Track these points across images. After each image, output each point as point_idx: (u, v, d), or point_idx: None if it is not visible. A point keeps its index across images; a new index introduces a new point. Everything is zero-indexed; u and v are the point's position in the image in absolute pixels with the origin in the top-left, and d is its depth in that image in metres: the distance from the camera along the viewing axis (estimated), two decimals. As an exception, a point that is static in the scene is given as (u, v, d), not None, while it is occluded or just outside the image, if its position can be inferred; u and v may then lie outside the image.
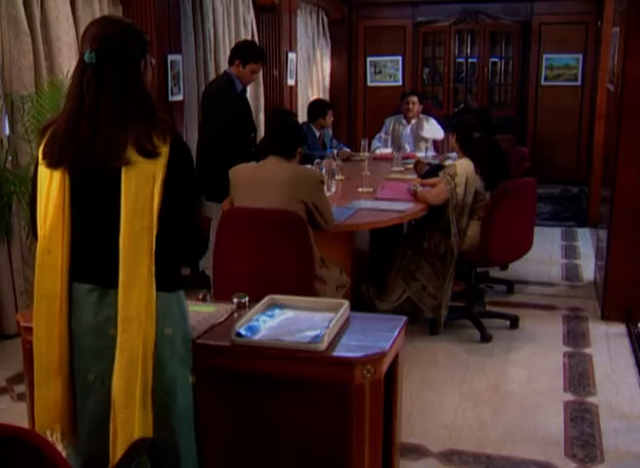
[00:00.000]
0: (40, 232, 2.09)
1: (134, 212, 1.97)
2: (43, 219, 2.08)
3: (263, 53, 5.35)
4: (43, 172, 2.08)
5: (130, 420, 2.01)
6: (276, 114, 6.52)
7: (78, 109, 2.04)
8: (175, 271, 2.16)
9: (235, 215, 3.73)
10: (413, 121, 7.03)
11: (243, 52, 4.96)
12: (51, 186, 2.06)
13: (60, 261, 2.07)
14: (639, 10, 4.45)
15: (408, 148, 6.90)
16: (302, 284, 3.51)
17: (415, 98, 7.00)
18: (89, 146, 2.01)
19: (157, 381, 2.05)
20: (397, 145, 6.86)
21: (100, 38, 2.03)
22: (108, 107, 2.00)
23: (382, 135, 7.11)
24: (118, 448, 2.02)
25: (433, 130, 7.02)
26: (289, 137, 3.76)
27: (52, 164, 2.05)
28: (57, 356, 2.10)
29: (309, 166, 4.62)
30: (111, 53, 2.02)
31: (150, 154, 1.97)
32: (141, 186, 1.97)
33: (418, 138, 7.02)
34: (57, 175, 2.05)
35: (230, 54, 5.07)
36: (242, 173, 3.78)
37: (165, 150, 1.98)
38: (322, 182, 3.80)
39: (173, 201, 2.01)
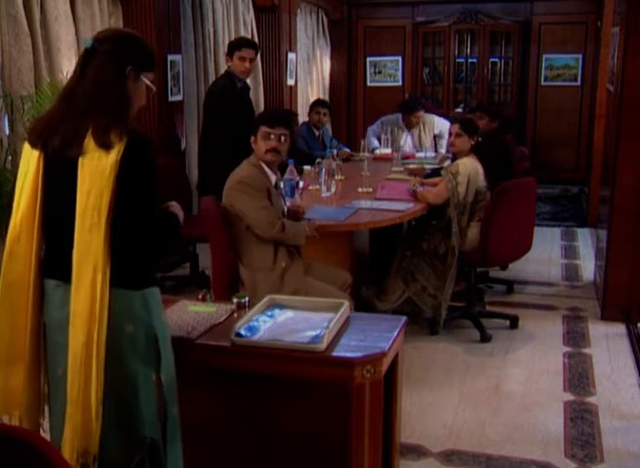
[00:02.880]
0: (12, 219, 2.12)
1: (85, 208, 2.00)
2: (17, 205, 2.12)
3: (244, 39, 5.47)
4: (26, 150, 2.14)
5: (73, 414, 2.03)
6: None
7: (63, 92, 2.15)
8: (138, 268, 2.15)
9: (206, 211, 3.77)
10: (414, 129, 6.87)
11: (228, 47, 5.05)
12: (29, 167, 2.11)
13: (29, 250, 2.10)
14: (639, 10, 4.46)
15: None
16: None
17: (421, 113, 6.83)
18: (58, 128, 2.06)
19: (116, 378, 2.07)
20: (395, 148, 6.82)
21: (108, 33, 2.18)
22: (83, 93, 2.07)
23: (376, 133, 6.99)
24: (66, 440, 2.05)
25: (441, 123, 6.84)
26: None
27: (30, 141, 2.13)
28: (21, 344, 2.14)
29: (307, 167, 4.59)
30: (106, 45, 2.10)
31: (104, 145, 1.99)
32: (93, 183, 2.00)
33: (424, 141, 6.85)
34: (34, 156, 2.11)
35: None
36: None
37: (118, 148, 2.00)
38: (242, 183, 3.54)
39: (126, 199, 2.03)
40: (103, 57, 2.10)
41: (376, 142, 6.89)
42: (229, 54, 4.97)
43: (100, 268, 2.01)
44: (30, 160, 2.11)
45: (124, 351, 2.09)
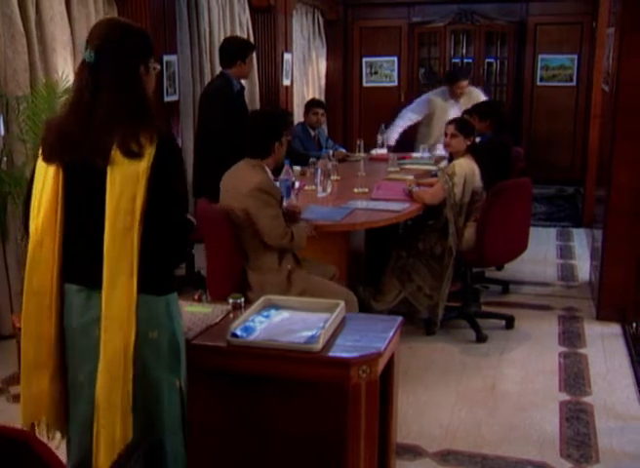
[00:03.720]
0: (32, 225, 2.11)
1: (117, 212, 1.98)
2: (36, 212, 2.10)
3: (249, 41, 5.61)
4: (40, 165, 2.12)
5: (111, 423, 2.02)
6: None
7: (76, 107, 2.08)
8: (163, 274, 2.13)
9: (204, 213, 3.76)
10: (462, 99, 6.63)
11: (240, 50, 5.02)
12: (46, 180, 2.09)
13: (51, 255, 2.09)
14: (634, 11, 4.46)
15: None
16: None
17: (465, 83, 6.65)
18: (80, 144, 2.04)
19: (140, 385, 2.04)
20: (441, 128, 6.34)
21: (102, 38, 2.07)
22: (102, 107, 2.03)
23: (417, 111, 6.86)
24: (101, 451, 2.04)
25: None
26: (256, 139, 3.68)
27: (46, 158, 2.10)
28: (46, 351, 2.13)
29: (298, 167, 4.58)
30: (110, 53, 2.06)
31: (134, 155, 1.97)
32: (125, 186, 1.98)
33: None
34: (51, 169, 2.09)
35: (226, 56, 5.05)
36: (225, 178, 3.76)
37: (150, 151, 1.98)
38: (261, 190, 3.49)
39: (157, 202, 2.01)
40: (114, 65, 2.06)
41: (412, 117, 6.88)
42: (243, 57, 4.97)
43: (135, 272, 2.00)
44: (47, 174, 2.09)
45: (148, 357, 2.06)
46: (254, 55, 5.12)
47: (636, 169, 4.59)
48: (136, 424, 2.05)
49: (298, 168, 5.35)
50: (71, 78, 4.44)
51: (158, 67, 2.25)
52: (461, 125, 4.63)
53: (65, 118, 2.10)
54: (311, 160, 5.46)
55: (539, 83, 8.89)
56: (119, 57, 2.07)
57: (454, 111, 6.40)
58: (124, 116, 2.02)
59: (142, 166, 1.97)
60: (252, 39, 6.78)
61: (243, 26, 6.72)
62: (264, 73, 7.03)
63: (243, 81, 5.61)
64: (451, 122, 4.70)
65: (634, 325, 4.64)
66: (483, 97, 6.64)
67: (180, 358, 2.16)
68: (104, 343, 2.01)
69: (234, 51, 5.02)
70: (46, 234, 2.09)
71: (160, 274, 2.11)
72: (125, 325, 2.00)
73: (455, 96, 6.65)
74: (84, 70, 2.08)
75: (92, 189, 2.03)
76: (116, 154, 1.98)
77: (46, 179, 2.09)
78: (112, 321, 2.00)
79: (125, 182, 1.98)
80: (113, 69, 2.05)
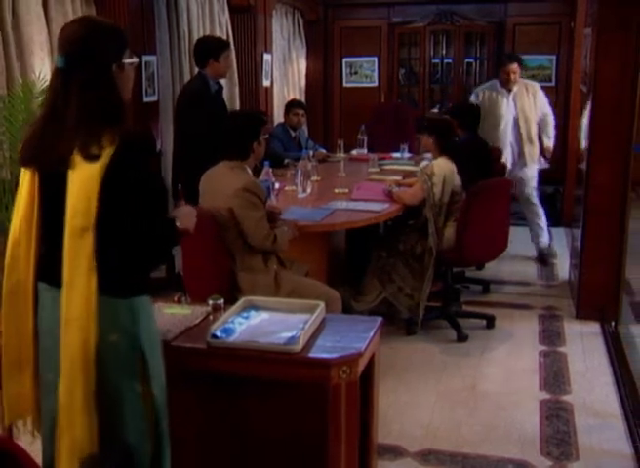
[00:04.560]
0: (12, 225, 2.14)
1: (74, 213, 1.98)
2: (15, 215, 2.14)
3: (224, 39, 5.51)
4: (22, 169, 2.16)
5: (72, 424, 2.01)
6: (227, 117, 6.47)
7: (48, 111, 2.09)
8: (126, 277, 2.08)
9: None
10: (515, 88, 6.16)
11: (211, 49, 4.96)
12: (23, 183, 2.13)
13: (27, 254, 2.11)
14: (610, 12, 4.50)
15: (506, 123, 6.14)
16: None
17: (514, 67, 6.09)
18: (49, 148, 2.05)
19: (100, 388, 2.03)
20: (492, 122, 6.08)
21: (71, 41, 2.06)
22: (73, 110, 2.02)
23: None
24: (63, 454, 2.03)
25: (543, 102, 6.27)
26: (234, 140, 3.67)
27: (22, 163, 2.14)
28: (26, 350, 2.14)
29: (269, 169, 4.55)
30: (80, 56, 2.04)
31: (93, 158, 1.96)
32: (81, 187, 1.97)
33: (523, 111, 6.17)
34: (28, 173, 2.12)
35: (198, 56, 5.03)
36: (204, 180, 3.76)
37: (109, 152, 1.96)
38: (249, 191, 3.51)
39: (115, 203, 1.99)
40: (83, 67, 2.03)
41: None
42: (215, 56, 4.92)
43: (92, 273, 1.98)
44: (24, 178, 2.13)
45: (107, 361, 2.04)
46: (231, 53, 5.07)
47: (614, 168, 4.63)
48: (99, 429, 2.04)
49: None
50: (48, 78, 4.41)
51: (135, 61, 2.22)
52: (419, 124, 4.68)
53: (38, 123, 2.12)
54: (286, 161, 5.46)
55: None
56: (88, 58, 2.04)
57: (506, 102, 6.15)
58: (90, 119, 2.00)
59: (97, 166, 1.96)
60: (231, 39, 6.75)
61: (222, 26, 6.69)
62: (244, 74, 7.00)
63: (223, 81, 5.59)
64: (423, 127, 4.74)
65: (613, 323, 4.68)
66: (541, 93, 6.25)
67: (149, 364, 2.10)
68: (64, 345, 2.01)
69: (205, 50, 4.98)
70: (23, 234, 2.11)
71: (123, 277, 2.07)
72: (84, 327, 1.98)
73: (505, 83, 6.15)
74: (55, 74, 2.08)
75: (58, 192, 2.03)
76: (77, 157, 1.98)
77: (24, 182, 2.12)
78: (72, 322, 2.00)
79: (81, 183, 1.98)
80: (82, 71, 2.03)
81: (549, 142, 6.32)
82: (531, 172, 6.26)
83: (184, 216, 2.26)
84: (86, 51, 2.04)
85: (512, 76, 6.08)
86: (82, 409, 2.00)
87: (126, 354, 2.07)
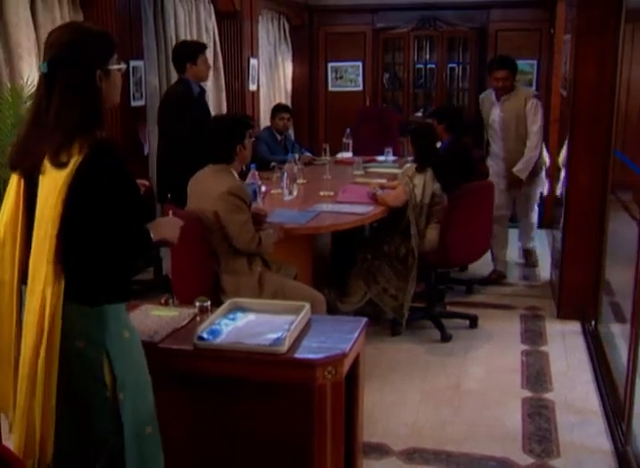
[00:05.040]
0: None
1: (41, 220, 1.99)
2: (1, 217, 2.14)
3: (201, 42, 5.50)
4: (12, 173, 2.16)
5: (18, 423, 2.03)
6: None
7: (34, 116, 2.09)
8: (96, 285, 2.06)
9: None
10: (507, 97, 5.60)
11: (187, 53, 4.95)
12: (11, 187, 2.13)
13: (11, 255, 2.10)
14: (588, 19, 4.54)
15: (494, 134, 5.73)
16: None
17: (504, 74, 5.51)
18: (29, 154, 2.05)
19: (68, 393, 2.04)
20: (489, 133, 5.80)
21: (54, 46, 2.05)
22: (52, 115, 2.01)
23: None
24: (15, 448, 2.03)
25: (530, 117, 5.60)
26: (219, 144, 3.66)
27: (9, 166, 2.15)
28: (7, 347, 2.13)
29: (255, 172, 4.55)
30: (62, 61, 2.02)
31: (61, 165, 1.95)
32: (49, 194, 1.97)
33: (510, 123, 5.61)
34: (15, 177, 2.12)
35: (176, 61, 5.02)
36: (191, 184, 3.75)
37: (76, 160, 1.95)
38: (233, 195, 3.51)
39: (81, 211, 1.97)
40: (65, 73, 2.02)
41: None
42: (192, 59, 4.90)
43: (50, 280, 1.97)
44: (12, 181, 2.13)
45: (74, 367, 2.04)
46: (212, 56, 5.04)
47: (593, 170, 4.66)
48: (69, 432, 2.06)
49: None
50: (36, 83, 4.39)
51: (123, 67, 2.20)
52: (403, 128, 4.70)
53: (24, 127, 2.13)
54: (273, 164, 5.46)
55: (500, 87, 8.98)
56: (70, 63, 2.02)
57: (495, 112, 5.70)
58: (65, 124, 1.99)
59: (63, 174, 1.95)
60: (218, 44, 6.75)
61: (209, 32, 6.68)
62: (231, 78, 7.00)
63: (210, 86, 5.58)
64: (408, 131, 4.75)
65: (593, 322, 4.71)
66: (530, 105, 5.59)
67: (115, 372, 2.07)
68: (23, 348, 2.03)
69: (182, 54, 4.97)
70: (9, 236, 2.10)
71: (91, 284, 2.05)
72: (37, 331, 1.98)
73: (496, 91, 5.65)
74: (40, 80, 2.08)
75: (34, 197, 2.04)
76: (47, 164, 1.98)
77: (11, 185, 2.13)
78: (29, 326, 2.01)
79: (48, 191, 1.97)
80: (64, 76, 2.02)
81: (519, 163, 5.58)
82: (526, 189, 5.78)
83: (164, 227, 2.21)
84: (68, 55, 2.03)
85: (501, 83, 5.54)
86: (26, 412, 2.00)
87: (92, 360, 2.05)
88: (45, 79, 2.05)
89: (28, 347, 2.01)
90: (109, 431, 2.10)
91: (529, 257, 6.24)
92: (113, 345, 2.07)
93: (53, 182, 1.96)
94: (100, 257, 2.01)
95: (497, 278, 5.81)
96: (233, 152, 3.59)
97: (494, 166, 5.77)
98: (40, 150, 2.01)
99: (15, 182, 2.12)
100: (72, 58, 2.02)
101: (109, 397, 2.07)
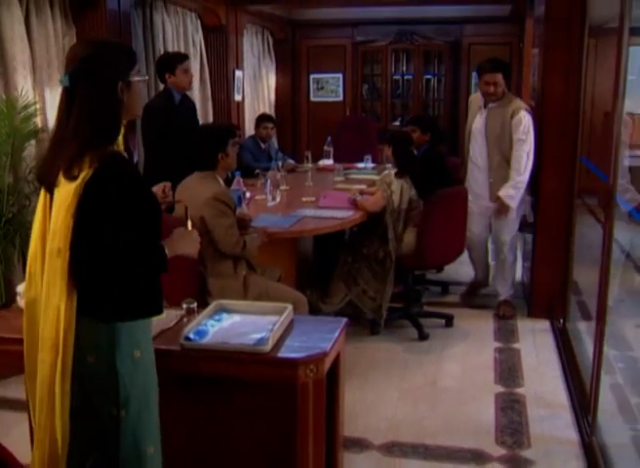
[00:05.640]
0: (31, 243, 2.09)
1: (53, 233, 1.94)
2: (33, 231, 2.09)
3: (180, 53, 5.48)
4: None
5: (41, 440, 1.99)
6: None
7: (55, 131, 2.04)
8: (108, 300, 1.98)
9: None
10: (494, 105, 4.76)
11: (165, 64, 4.90)
12: (39, 201, 2.08)
13: (42, 270, 2.02)
14: (554, 34, 4.58)
15: (479, 143, 4.86)
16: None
17: (495, 78, 4.68)
18: (50, 168, 2.00)
19: (81, 408, 2.00)
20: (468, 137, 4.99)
21: (76, 60, 1.98)
22: (70, 129, 1.96)
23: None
24: (34, 465, 2.00)
25: (516, 132, 4.65)
26: (202, 152, 3.66)
27: (37, 180, 2.12)
28: (34, 360, 2.08)
29: (240, 179, 4.55)
30: (83, 74, 1.96)
31: (73, 178, 1.90)
32: (60, 207, 1.92)
33: (492, 136, 4.77)
34: (42, 192, 2.07)
35: (158, 73, 5.00)
36: (178, 190, 3.74)
37: (86, 173, 1.89)
38: (218, 200, 3.50)
39: (87, 226, 1.90)
40: (85, 87, 1.96)
41: None
42: (170, 70, 4.85)
43: (64, 294, 1.91)
44: (40, 194, 2.08)
45: (86, 382, 1.99)
46: (198, 68, 5.04)
47: (561, 177, 4.69)
48: (80, 451, 2.02)
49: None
50: (30, 95, 4.37)
51: (145, 78, 2.15)
52: (381, 136, 4.72)
53: (49, 141, 2.08)
54: (257, 171, 5.46)
55: (473, 98, 9.03)
56: (92, 76, 1.96)
57: (479, 119, 4.89)
58: (81, 137, 1.93)
59: (73, 187, 1.89)
60: (204, 57, 6.75)
61: (196, 45, 6.69)
62: (217, 89, 7.01)
63: (196, 95, 5.56)
64: (388, 138, 4.74)
65: (561, 321, 4.75)
66: (517, 119, 4.63)
67: (120, 389, 2.00)
68: (39, 362, 1.98)
69: (161, 66, 4.92)
70: (39, 249, 2.04)
71: (103, 299, 1.98)
72: (54, 346, 1.93)
73: (483, 95, 4.81)
74: (62, 93, 2.01)
75: (51, 210, 1.99)
76: (61, 177, 1.93)
77: (39, 198, 2.08)
78: (46, 341, 1.96)
79: (60, 204, 1.92)
80: (84, 91, 1.96)
81: (506, 188, 4.70)
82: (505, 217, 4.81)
83: (183, 241, 2.17)
84: (90, 69, 1.96)
85: (492, 88, 4.67)
86: (48, 429, 1.96)
87: (101, 376, 1.99)
88: (66, 92, 1.99)
89: (46, 363, 1.95)
90: (123, 452, 2.04)
91: (502, 311, 5.01)
92: (123, 363, 2.00)
93: (64, 195, 1.91)
94: (108, 273, 1.94)
95: (479, 286, 5.38)
96: (216, 160, 3.60)
97: (472, 182, 4.96)
98: (58, 163, 1.96)
99: (42, 197, 2.06)
100: (93, 70, 1.96)
101: (116, 415, 2.01)
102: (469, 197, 4.74)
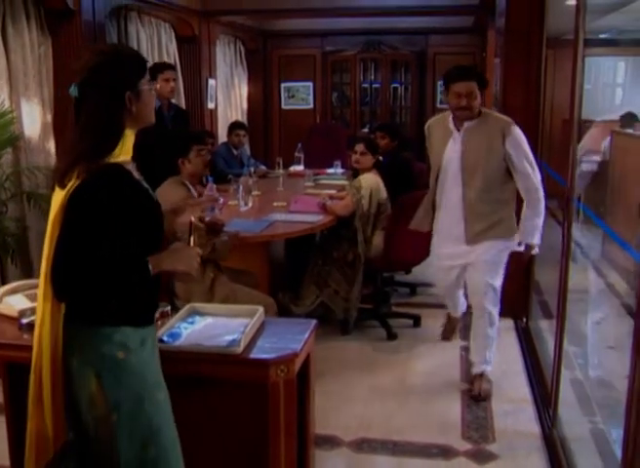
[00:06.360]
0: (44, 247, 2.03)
1: (48, 239, 1.92)
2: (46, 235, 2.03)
3: (163, 62, 5.54)
4: None
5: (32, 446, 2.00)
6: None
7: (66, 141, 1.98)
8: (90, 306, 1.92)
9: None
10: (467, 124, 3.58)
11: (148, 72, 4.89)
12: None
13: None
14: (514, 45, 4.64)
15: (454, 177, 3.65)
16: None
17: (469, 87, 3.49)
18: (54, 174, 1.97)
19: (70, 408, 1.99)
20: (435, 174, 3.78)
21: (84, 70, 1.91)
22: (75, 139, 1.91)
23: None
24: (27, 453, 2.01)
25: (517, 154, 3.53)
26: (163, 159, 3.65)
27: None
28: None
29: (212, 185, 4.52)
30: (90, 85, 1.90)
31: (63, 187, 1.87)
32: (50, 217, 1.91)
33: (470, 161, 3.57)
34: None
35: None
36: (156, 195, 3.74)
37: (71, 184, 1.85)
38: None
39: (68, 232, 1.86)
40: (92, 96, 1.89)
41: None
42: (151, 79, 4.84)
43: (48, 297, 1.90)
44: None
45: (73, 382, 1.96)
46: (169, 75, 5.02)
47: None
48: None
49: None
50: (7, 104, 4.32)
51: (154, 87, 2.07)
52: (370, 144, 4.71)
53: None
54: (229, 177, 5.45)
55: (438, 105, 9.06)
56: (98, 87, 1.90)
57: (452, 146, 3.65)
58: (76, 149, 1.88)
59: (61, 197, 1.87)
60: (178, 66, 6.73)
61: (170, 55, 6.66)
62: (190, 97, 6.99)
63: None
64: (359, 141, 4.76)
65: (524, 319, 4.80)
66: (513, 139, 3.53)
67: (106, 391, 1.93)
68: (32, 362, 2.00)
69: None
70: (46, 253, 1.97)
71: (81, 305, 1.93)
72: (37, 345, 1.95)
73: (455, 115, 3.62)
74: (73, 104, 1.93)
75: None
76: (56, 186, 1.91)
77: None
78: (35, 339, 1.97)
79: (52, 211, 1.91)
80: (91, 102, 1.90)
81: (529, 221, 3.63)
82: (484, 254, 3.69)
83: (176, 256, 2.05)
84: (97, 79, 1.90)
85: (464, 102, 3.50)
86: (43, 419, 1.97)
87: (84, 378, 1.94)
88: (75, 102, 1.92)
89: (33, 361, 1.98)
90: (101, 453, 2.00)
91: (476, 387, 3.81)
92: (104, 366, 1.93)
93: (54, 204, 1.89)
94: (79, 283, 1.86)
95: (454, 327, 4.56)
96: (176, 166, 3.61)
97: (442, 226, 3.82)
98: (55, 173, 1.94)
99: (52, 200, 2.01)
100: (100, 80, 1.90)
101: (100, 417, 1.95)
102: (434, 247, 3.96)
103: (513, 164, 3.55)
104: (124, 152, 1.95)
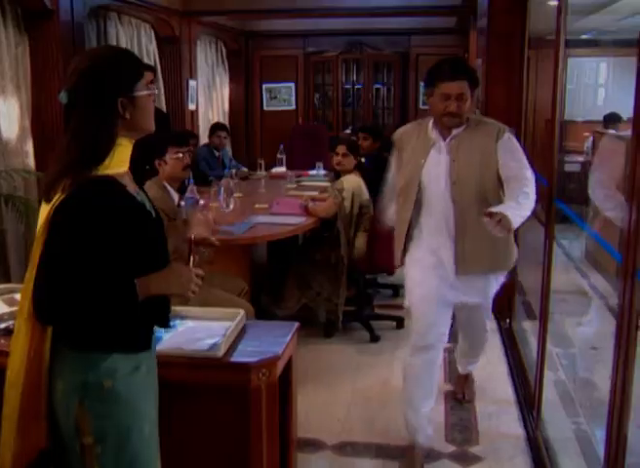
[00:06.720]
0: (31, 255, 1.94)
1: (32, 257, 1.79)
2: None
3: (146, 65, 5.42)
4: None
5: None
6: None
7: (58, 149, 1.85)
8: (78, 329, 1.81)
9: None
10: (455, 131, 3.03)
11: None
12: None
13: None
14: (496, 46, 4.67)
15: (441, 194, 3.02)
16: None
17: (459, 85, 2.93)
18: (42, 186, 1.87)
19: (54, 433, 1.87)
20: (406, 194, 3.19)
21: (73, 75, 1.78)
22: (61, 149, 1.79)
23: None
24: None
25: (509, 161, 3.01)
26: (138, 162, 3.63)
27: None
28: None
29: (193, 187, 4.50)
30: (80, 91, 1.78)
31: (49, 201, 1.75)
32: (39, 232, 1.77)
33: (470, 176, 2.99)
34: None
35: None
36: None
37: (56, 198, 1.72)
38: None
39: (50, 251, 1.73)
40: (82, 104, 1.77)
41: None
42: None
43: (25, 315, 1.78)
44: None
45: (57, 409, 1.84)
46: (148, 77, 5.04)
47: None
48: None
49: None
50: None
51: (153, 92, 1.89)
52: (352, 145, 4.72)
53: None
54: (211, 179, 5.44)
55: (421, 107, 9.11)
56: (88, 93, 1.77)
57: (436, 157, 3.05)
58: (63, 160, 1.77)
59: (46, 211, 1.75)
60: (158, 67, 6.70)
61: (150, 55, 6.63)
62: (171, 98, 6.96)
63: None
64: (341, 142, 4.76)
65: (508, 321, 4.82)
66: (507, 146, 3.02)
67: (91, 421, 1.82)
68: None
69: None
70: (30, 266, 1.85)
71: (65, 329, 1.81)
72: (12, 360, 1.83)
73: (441, 119, 3.03)
74: (63, 111, 1.82)
75: None
76: (42, 199, 1.80)
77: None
78: (10, 365, 1.84)
79: (38, 226, 1.78)
80: (80, 109, 1.77)
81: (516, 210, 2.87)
82: (485, 299, 3.38)
83: (171, 277, 1.90)
84: (86, 83, 1.76)
85: (454, 105, 2.93)
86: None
87: (68, 403, 1.83)
88: (65, 110, 1.80)
89: (7, 374, 1.84)
90: None
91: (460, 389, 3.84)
92: (89, 394, 1.81)
93: (40, 219, 1.77)
94: (63, 305, 1.73)
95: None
96: (152, 167, 3.58)
97: (422, 260, 3.24)
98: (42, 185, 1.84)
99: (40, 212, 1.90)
100: (90, 85, 1.77)
101: (84, 445, 1.83)
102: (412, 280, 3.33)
103: (509, 170, 2.97)
104: (117, 163, 1.82)
